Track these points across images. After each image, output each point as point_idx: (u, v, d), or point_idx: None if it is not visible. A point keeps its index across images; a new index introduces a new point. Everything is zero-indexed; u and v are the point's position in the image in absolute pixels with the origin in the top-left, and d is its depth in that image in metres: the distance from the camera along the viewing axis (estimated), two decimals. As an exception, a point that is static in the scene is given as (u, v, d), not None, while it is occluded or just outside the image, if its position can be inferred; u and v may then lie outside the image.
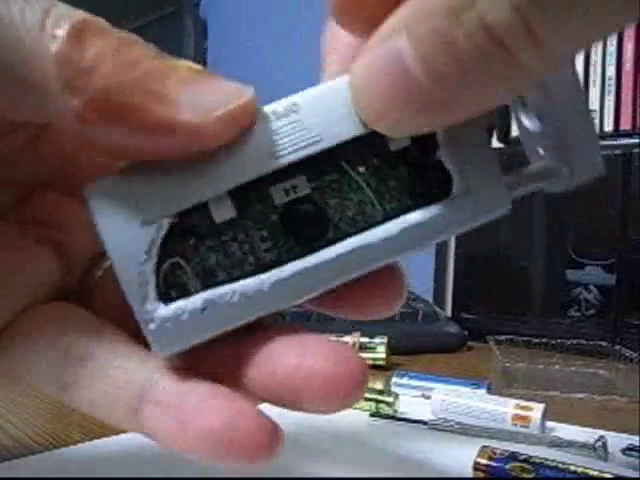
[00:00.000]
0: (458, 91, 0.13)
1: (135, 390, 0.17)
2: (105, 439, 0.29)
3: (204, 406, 0.16)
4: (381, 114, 0.15)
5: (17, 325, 0.18)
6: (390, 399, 0.36)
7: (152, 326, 0.16)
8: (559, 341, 0.60)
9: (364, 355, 0.52)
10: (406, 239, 0.16)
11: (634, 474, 0.29)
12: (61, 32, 0.14)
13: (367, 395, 0.37)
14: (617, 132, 0.71)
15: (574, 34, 0.13)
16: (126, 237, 0.16)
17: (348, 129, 0.16)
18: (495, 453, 0.27)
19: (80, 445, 0.28)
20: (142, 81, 0.15)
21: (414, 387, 0.42)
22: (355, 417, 0.36)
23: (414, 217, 0.16)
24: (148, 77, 0.15)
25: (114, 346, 0.18)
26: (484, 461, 0.27)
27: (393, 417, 0.35)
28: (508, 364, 0.52)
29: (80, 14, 0.15)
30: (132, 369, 0.17)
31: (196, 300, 0.16)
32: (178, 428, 0.16)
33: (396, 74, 0.14)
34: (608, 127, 0.72)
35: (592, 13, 0.12)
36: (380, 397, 0.36)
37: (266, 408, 0.16)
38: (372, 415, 0.36)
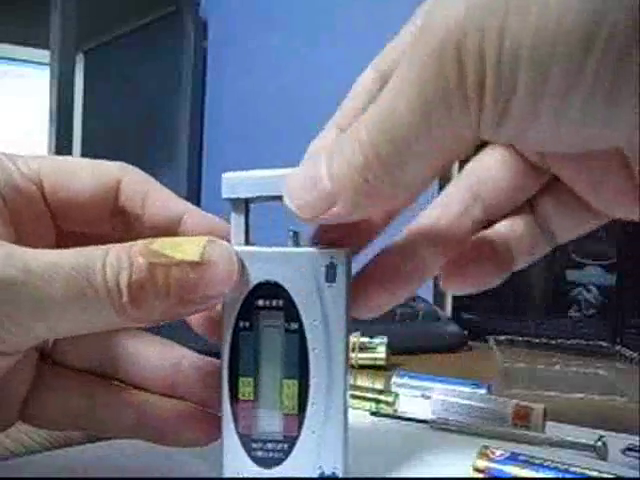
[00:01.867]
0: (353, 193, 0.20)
1: None
2: (105, 440, 0.29)
3: None
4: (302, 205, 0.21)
5: None
6: (390, 399, 0.36)
7: None
8: (559, 341, 0.60)
9: (364, 355, 0.51)
10: None
11: (634, 474, 0.29)
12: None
13: (367, 395, 0.37)
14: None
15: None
16: None
17: None
18: (495, 453, 0.27)
19: (80, 446, 0.28)
20: None
21: (414, 387, 0.42)
22: (355, 417, 0.36)
23: None
24: None
25: None
26: (484, 461, 0.27)
27: (393, 417, 0.35)
28: (508, 364, 0.52)
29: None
30: None
31: None
32: None
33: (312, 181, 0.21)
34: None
35: None
36: (380, 397, 0.36)
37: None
38: (372, 415, 0.36)
